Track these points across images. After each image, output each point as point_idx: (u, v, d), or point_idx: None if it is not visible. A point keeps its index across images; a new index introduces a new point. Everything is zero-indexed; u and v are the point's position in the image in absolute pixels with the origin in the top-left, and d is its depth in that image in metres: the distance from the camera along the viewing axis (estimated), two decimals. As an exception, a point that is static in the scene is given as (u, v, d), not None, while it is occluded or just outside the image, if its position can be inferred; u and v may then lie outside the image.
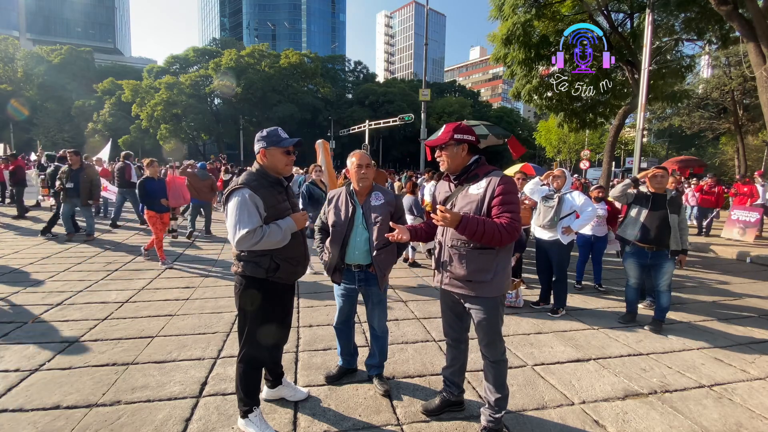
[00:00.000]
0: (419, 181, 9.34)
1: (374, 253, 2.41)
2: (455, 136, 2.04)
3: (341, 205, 2.49)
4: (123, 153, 9.88)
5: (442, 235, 2.12)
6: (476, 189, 2.00)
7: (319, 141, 5.89)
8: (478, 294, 2.02)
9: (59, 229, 7.40)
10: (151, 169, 6.03)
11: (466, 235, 1.90)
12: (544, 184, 4.59)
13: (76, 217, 7.64)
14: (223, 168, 14.12)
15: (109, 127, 37.69)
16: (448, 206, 2.08)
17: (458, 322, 2.23)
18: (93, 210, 7.57)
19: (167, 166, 14.06)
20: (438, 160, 2.14)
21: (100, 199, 8.70)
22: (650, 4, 8.99)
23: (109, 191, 9.36)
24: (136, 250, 6.56)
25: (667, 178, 3.96)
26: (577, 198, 4.11)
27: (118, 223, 9.01)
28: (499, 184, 1.94)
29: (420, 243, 6.61)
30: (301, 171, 14.34)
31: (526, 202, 5.05)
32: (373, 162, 2.51)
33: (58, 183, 7.05)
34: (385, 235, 2.23)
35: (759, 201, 9.76)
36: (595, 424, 2.32)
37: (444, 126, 2.17)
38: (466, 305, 2.10)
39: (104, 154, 14.04)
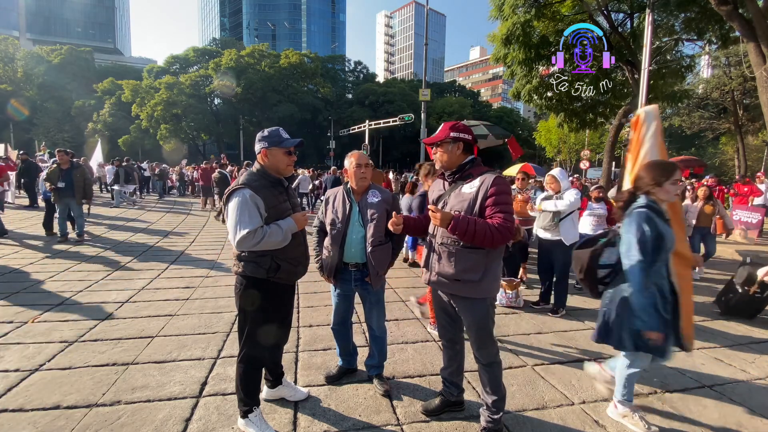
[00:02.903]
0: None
1: (369, 250, 2.42)
2: (451, 134, 2.06)
3: (338, 204, 2.50)
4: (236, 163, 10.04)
5: (433, 233, 2.13)
6: (469, 188, 2.01)
7: (649, 108, 2.78)
8: (466, 295, 2.02)
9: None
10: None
11: (458, 234, 1.89)
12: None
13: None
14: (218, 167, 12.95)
15: (109, 127, 37.68)
16: (440, 205, 2.10)
17: (451, 322, 2.23)
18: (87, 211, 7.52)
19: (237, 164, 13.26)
20: (433, 157, 2.17)
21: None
22: (650, 4, 8.99)
23: None
24: (135, 251, 6.57)
25: None
26: (567, 195, 4.08)
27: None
28: (493, 184, 1.94)
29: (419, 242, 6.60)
30: (307, 172, 14.25)
31: (519, 197, 5.09)
32: (371, 162, 2.53)
33: (48, 184, 6.88)
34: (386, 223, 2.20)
35: (760, 201, 9.77)
36: (595, 424, 2.32)
37: (442, 124, 2.20)
38: (456, 307, 2.11)
39: (97, 157, 14.07)
